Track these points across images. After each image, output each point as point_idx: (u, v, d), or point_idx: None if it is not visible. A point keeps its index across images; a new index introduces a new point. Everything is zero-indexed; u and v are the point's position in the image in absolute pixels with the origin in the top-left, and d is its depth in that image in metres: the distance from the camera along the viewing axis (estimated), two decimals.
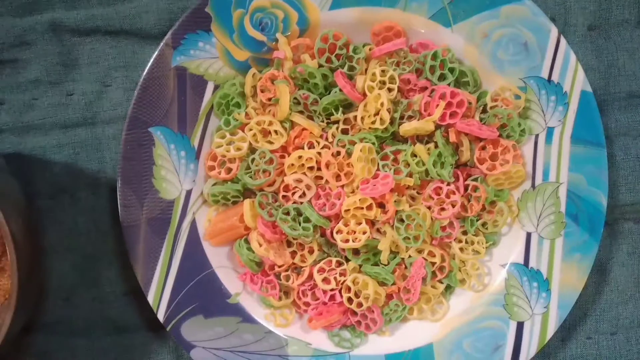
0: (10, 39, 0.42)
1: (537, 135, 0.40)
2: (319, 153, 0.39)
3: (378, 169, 0.39)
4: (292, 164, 0.39)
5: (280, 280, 0.40)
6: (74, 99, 0.42)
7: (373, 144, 0.39)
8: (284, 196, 0.40)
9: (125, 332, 0.42)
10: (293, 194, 0.40)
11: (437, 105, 0.38)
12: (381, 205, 0.39)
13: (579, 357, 0.43)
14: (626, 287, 0.43)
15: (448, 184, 0.39)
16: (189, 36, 0.39)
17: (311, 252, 0.40)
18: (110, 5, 0.42)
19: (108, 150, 0.42)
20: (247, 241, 0.40)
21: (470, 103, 0.39)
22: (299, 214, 0.39)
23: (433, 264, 0.40)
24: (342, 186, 0.39)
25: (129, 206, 0.39)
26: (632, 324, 0.43)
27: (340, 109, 0.40)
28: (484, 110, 0.40)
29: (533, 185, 0.40)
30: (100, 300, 0.42)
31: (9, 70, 0.42)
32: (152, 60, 0.38)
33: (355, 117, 0.40)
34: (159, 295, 0.39)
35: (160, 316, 0.39)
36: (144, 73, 0.38)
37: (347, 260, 0.40)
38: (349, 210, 0.38)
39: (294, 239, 0.40)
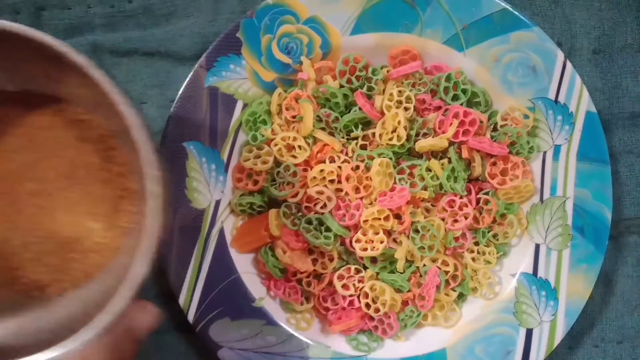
0: None
1: (545, 153, 0.42)
2: (340, 167, 0.41)
3: (395, 183, 0.41)
4: (315, 177, 0.41)
5: (302, 286, 0.42)
6: None
7: (390, 159, 0.41)
8: (306, 207, 0.42)
9: (156, 333, 0.43)
10: (315, 205, 0.41)
11: (451, 123, 0.40)
12: (398, 217, 0.41)
13: None
14: (631, 297, 0.44)
15: (461, 197, 0.41)
16: (221, 59, 0.41)
17: (331, 259, 0.42)
18: (147, 29, 0.45)
19: None
20: (272, 249, 0.42)
21: (481, 122, 0.41)
22: (321, 223, 0.41)
23: (446, 272, 0.42)
24: (361, 198, 0.41)
25: None
26: (637, 333, 0.44)
27: (360, 126, 0.42)
28: (495, 129, 0.42)
29: (541, 200, 0.42)
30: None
31: None
32: (187, 80, 0.41)
33: (373, 133, 0.41)
34: (189, 298, 0.41)
35: (190, 318, 0.41)
36: (180, 92, 0.41)
37: (365, 267, 0.42)
38: (367, 220, 0.40)
39: (315, 247, 0.42)
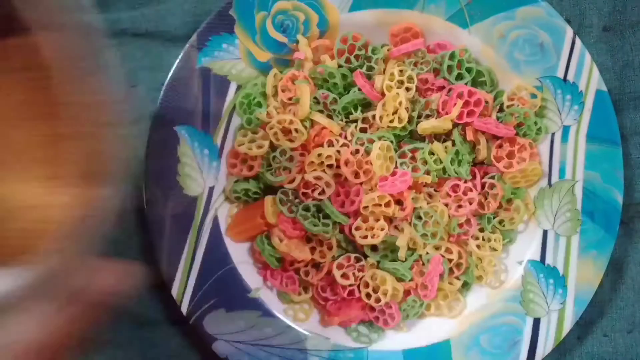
0: None
1: (553, 134, 0.40)
2: (338, 151, 0.40)
3: (396, 167, 0.39)
4: (312, 162, 0.39)
5: (300, 275, 0.41)
6: None
7: (391, 142, 0.39)
8: (304, 193, 0.40)
9: (149, 326, 0.43)
10: (313, 191, 0.40)
11: (455, 104, 0.39)
12: (399, 203, 0.39)
13: (595, 354, 0.43)
14: None
15: (465, 182, 0.39)
16: (214, 38, 0.39)
17: (330, 248, 0.40)
18: (137, 8, 0.43)
19: (133, 148, 0.42)
20: (268, 237, 0.41)
21: (487, 102, 0.39)
22: (319, 210, 0.40)
23: (450, 260, 0.40)
24: (361, 183, 0.39)
25: (154, 202, 0.40)
26: None
27: (359, 108, 0.40)
28: (501, 109, 0.41)
29: (549, 183, 0.40)
30: None
31: None
32: (178, 61, 0.39)
33: (373, 116, 0.40)
34: (183, 289, 0.40)
35: (184, 310, 0.40)
36: (170, 74, 0.39)
37: (366, 256, 0.40)
38: (367, 207, 0.39)
39: (313, 235, 0.40)
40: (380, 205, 0.39)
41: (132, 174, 0.42)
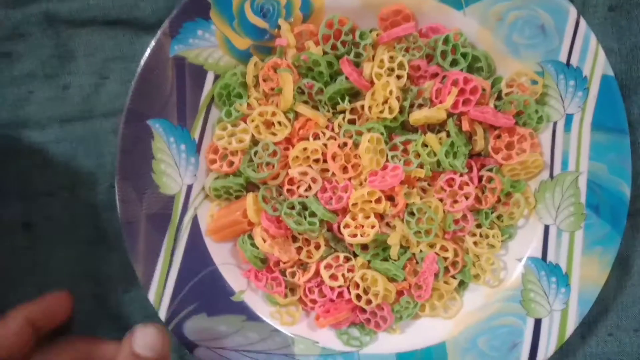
0: (3, 31, 0.41)
1: (555, 123, 0.38)
2: (325, 144, 0.38)
3: (387, 160, 0.38)
4: (297, 156, 0.38)
5: (286, 277, 0.39)
6: (71, 92, 0.41)
7: (382, 134, 0.38)
8: (288, 190, 0.39)
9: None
10: (298, 187, 0.38)
11: (449, 92, 0.37)
12: (390, 198, 0.38)
13: (600, 354, 0.41)
14: None
15: (461, 175, 0.38)
16: (187, 24, 0.37)
17: (317, 247, 0.39)
18: None
19: (106, 144, 0.41)
20: (250, 237, 0.39)
21: (484, 89, 0.38)
22: (305, 208, 0.38)
23: (445, 258, 0.39)
24: (350, 179, 0.38)
25: (128, 202, 0.38)
26: None
27: (347, 98, 0.39)
28: (499, 97, 0.39)
29: (551, 175, 0.39)
30: (101, 297, 0.41)
31: (3, 63, 0.41)
32: (149, 50, 0.37)
33: (362, 106, 0.38)
34: (160, 293, 0.38)
35: (162, 315, 0.38)
36: (141, 64, 0.37)
37: (355, 255, 0.39)
38: (356, 203, 0.37)
39: (299, 234, 0.39)
40: (370, 201, 0.38)
41: (105, 172, 0.41)
